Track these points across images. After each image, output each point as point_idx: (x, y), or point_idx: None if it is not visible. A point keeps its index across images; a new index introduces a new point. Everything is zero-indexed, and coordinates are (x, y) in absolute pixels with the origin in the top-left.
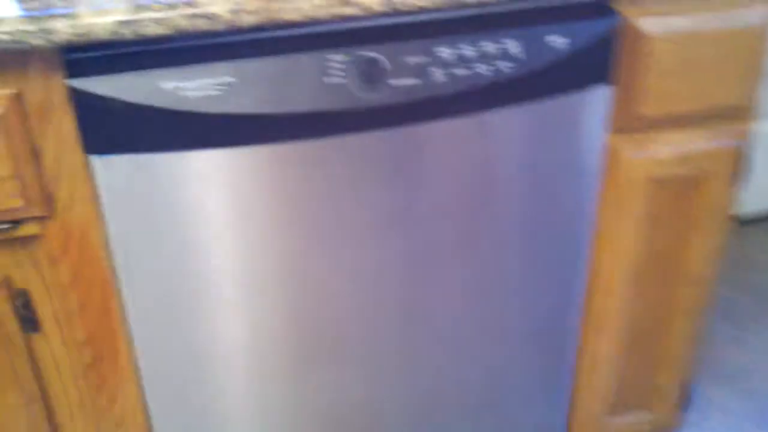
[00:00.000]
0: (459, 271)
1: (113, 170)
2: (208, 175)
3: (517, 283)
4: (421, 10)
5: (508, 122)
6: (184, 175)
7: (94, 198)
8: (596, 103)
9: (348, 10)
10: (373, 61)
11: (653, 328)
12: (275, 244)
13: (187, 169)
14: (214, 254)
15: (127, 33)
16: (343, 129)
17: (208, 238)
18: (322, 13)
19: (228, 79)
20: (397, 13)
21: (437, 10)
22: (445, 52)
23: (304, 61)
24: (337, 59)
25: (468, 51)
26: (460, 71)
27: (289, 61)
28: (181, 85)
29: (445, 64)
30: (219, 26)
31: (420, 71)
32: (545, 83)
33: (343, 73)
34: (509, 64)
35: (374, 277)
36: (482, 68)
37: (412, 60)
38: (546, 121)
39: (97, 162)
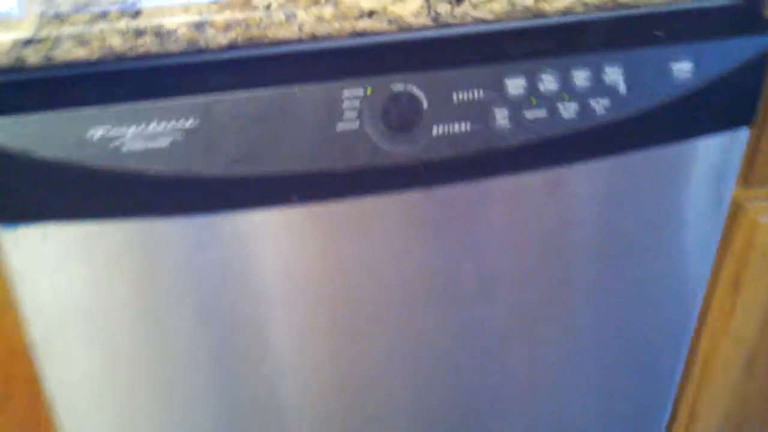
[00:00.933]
0: (523, 366)
1: (24, 245)
2: (153, 250)
3: (596, 379)
4: (480, 23)
5: (594, 177)
6: (122, 250)
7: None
8: (727, 150)
9: (370, 25)
10: (407, 99)
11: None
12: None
13: (128, 241)
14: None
15: (34, 57)
16: (359, 190)
17: (166, 335)
18: (331, 28)
19: (187, 123)
20: (444, 27)
21: (503, 22)
22: (513, 85)
23: (305, 98)
24: (354, 96)
25: (547, 83)
26: (534, 113)
27: (281, 98)
28: (114, 132)
29: (512, 103)
30: (174, 47)
31: (476, 112)
32: (657, 127)
33: (363, 117)
34: (604, 102)
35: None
36: (566, 108)
37: (465, 96)
38: (650, 175)
39: (2, 235)
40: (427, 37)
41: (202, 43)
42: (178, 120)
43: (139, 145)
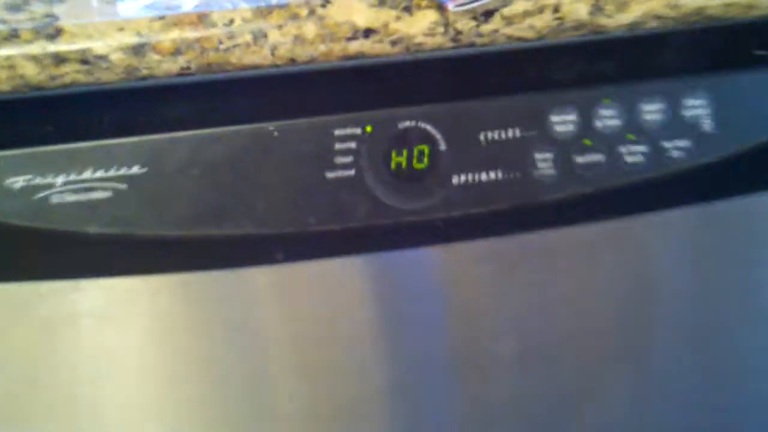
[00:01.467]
0: None
1: None
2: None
3: None
4: (514, 42)
5: (668, 229)
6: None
7: None
8: None
9: (367, 47)
10: (418, 139)
11: None
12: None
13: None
14: None
15: None
16: (358, 250)
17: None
18: (315, 52)
19: (130, 171)
20: (465, 48)
21: (546, 41)
22: (559, 122)
23: (284, 139)
24: (349, 136)
25: (606, 120)
26: (588, 157)
27: (253, 138)
28: (40, 181)
29: (558, 145)
30: (109, 76)
31: (510, 157)
32: (753, 171)
33: (361, 163)
34: (683, 143)
35: None
36: (632, 151)
37: (495, 136)
38: (740, 227)
39: None
40: (444, 59)
41: (144, 72)
42: (119, 167)
43: (70, 198)
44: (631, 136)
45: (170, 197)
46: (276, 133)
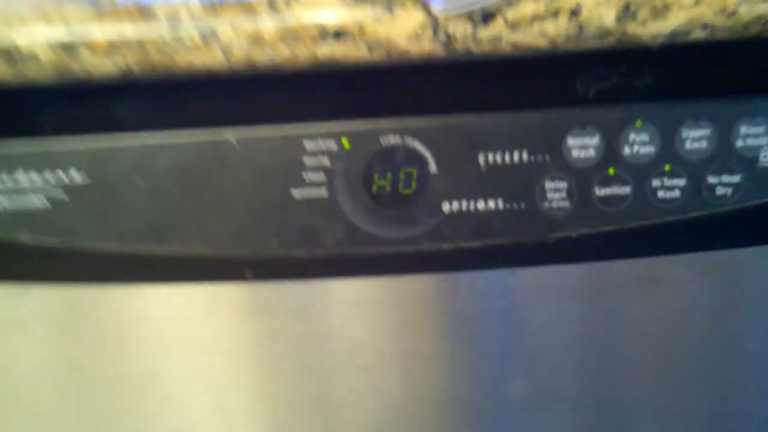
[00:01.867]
0: None
1: None
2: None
3: None
4: (523, 51)
5: (702, 271)
6: None
7: None
8: None
9: (339, 51)
10: (405, 158)
11: None
12: None
13: None
14: None
15: None
16: (329, 275)
17: None
18: (276, 55)
19: (69, 178)
20: (464, 55)
21: (562, 49)
22: (578, 145)
23: (245, 151)
24: (321, 151)
25: (636, 145)
26: (612, 190)
27: (209, 149)
28: None
29: (575, 173)
30: (37, 74)
31: (514, 184)
32: None
33: (335, 182)
34: (733, 178)
35: None
36: (667, 185)
37: (497, 159)
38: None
39: None
40: (439, 64)
41: (78, 71)
42: (54, 171)
43: (4, 204)
44: (667, 168)
45: (112, 209)
46: (235, 143)
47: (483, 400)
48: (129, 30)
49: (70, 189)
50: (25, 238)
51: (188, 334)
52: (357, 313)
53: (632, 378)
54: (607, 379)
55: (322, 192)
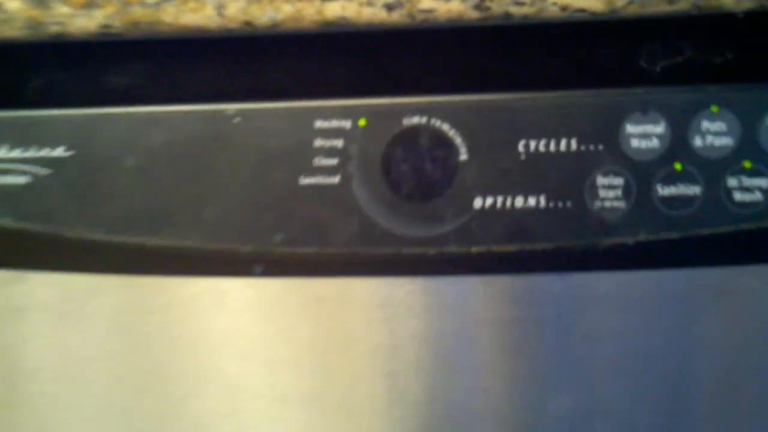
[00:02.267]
0: None
1: None
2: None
3: None
4: (573, 15)
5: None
6: None
7: None
8: None
9: (354, 11)
10: (431, 143)
11: None
12: None
13: None
14: None
15: None
16: (344, 273)
17: None
18: (278, 14)
19: (53, 152)
20: (501, 19)
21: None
22: (638, 132)
23: (248, 129)
24: (334, 130)
25: (710, 134)
26: (678, 189)
27: (207, 125)
28: None
29: (634, 166)
30: (10, 31)
31: (560, 178)
32: None
33: (349, 167)
34: None
35: None
36: (746, 185)
37: (540, 146)
38: None
39: None
40: (473, 29)
41: (53, 28)
42: (39, 147)
43: None
44: (747, 164)
45: (100, 191)
46: (236, 119)
47: (523, 417)
48: None
49: (52, 166)
50: (5, 222)
51: (197, 331)
52: (379, 316)
53: (698, 401)
54: (668, 399)
55: (334, 179)
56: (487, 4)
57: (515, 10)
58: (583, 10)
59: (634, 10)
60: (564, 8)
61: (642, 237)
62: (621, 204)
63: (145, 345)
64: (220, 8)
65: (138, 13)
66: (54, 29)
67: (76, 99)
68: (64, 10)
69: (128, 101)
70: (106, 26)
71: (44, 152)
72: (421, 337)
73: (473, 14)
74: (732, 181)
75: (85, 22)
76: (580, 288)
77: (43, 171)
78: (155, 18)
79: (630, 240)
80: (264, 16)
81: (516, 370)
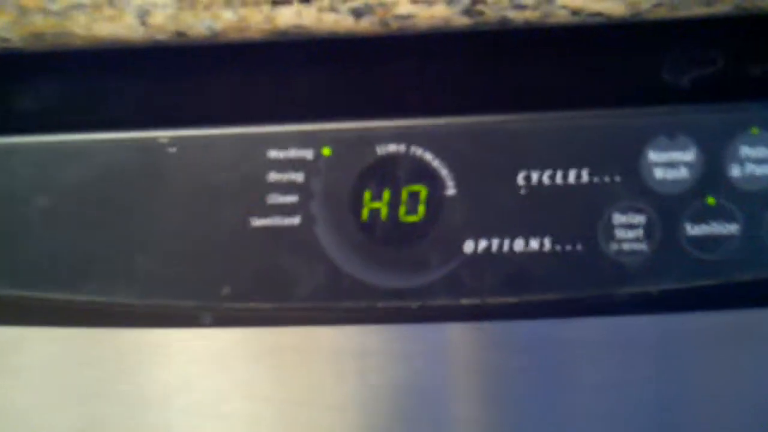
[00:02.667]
0: None
1: None
2: None
3: None
4: (585, 20)
5: None
6: None
7: None
8: None
9: (312, 19)
10: (411, 175)
11: None
12: None
13: None
14: None
15: None
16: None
17: None
18: (220, 22)
19: None
20: (497, 24)
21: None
22: (663, 159)
23: (181, 158)
24: (292, 161)
25: (748, 163)
26: (709, 227)
27: (128, 154)
28: None
29: (658, 200)
30: None
31: (566, 216)
32: None
33: (311, 206)
34: None
35: None
36: None
37: (540, 179)
38: None
39: None
40: (460, 36)
41: None
42: None
43: None
44: None
45: (3, 239)
46: (171, 149)
47: None
48: None
49: None
50: None
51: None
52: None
53: None
54: None
55: (293, 220)
56: (480, 8)
57: (515, 15)
58: (599, 14)
59: (661, 13)
60: (576, 12)
61: (668, 285)
62: (642, 246)
63: (80, 401)
64: (143, 16)
65: (40, 23)
66: None
67: None
68: None
69: (37, 129)
70: (4, 40)
71: None
72: (399, 387)
73: (462, 21)
74: None
75: None
76: (578, 332)
77: None
78: (63, 29)
79: (653, 289)
80: (200, 24)
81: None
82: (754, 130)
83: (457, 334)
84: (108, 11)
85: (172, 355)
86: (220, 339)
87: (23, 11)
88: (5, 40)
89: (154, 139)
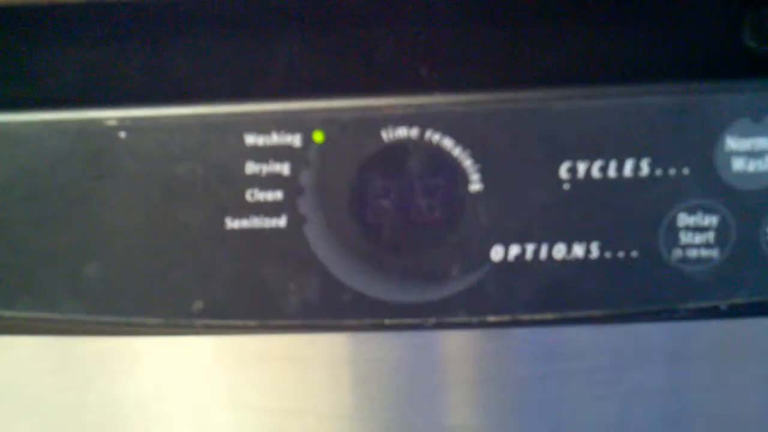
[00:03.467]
0: None
1: None
2: None
3: None
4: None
5: None
6: None
7: None
8: None
9: None
10: (422, 165)
11: None
12: None
13: None
14: None
15: None
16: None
17: None
18: None
19: None
20: None
21: None
22: (736, 151)
23: (136, 146)
24: (278, 149)
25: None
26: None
27: (71, 140)
28: None
29: (730, 201)
30: None
31: (622, 217)
32: None
33: (299, 204)
34: None
35: None
36: None
37: (588, 173)
38: None
39: None
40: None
41: None
42: None
43: None
44: None
45: None
46: (122, 134)
47: None
48: None
49: None
50: None
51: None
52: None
53: None
54: None
55: (279, 221)
56: None
57: None
58: None
59: None
60: None
61: (741, 299)
62: (713, 253)
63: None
64: None
65: None
66: None
67: None
68: None
69: None
70: None
71: None
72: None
73: None
74: None
75: None
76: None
77: None
78: None
79: (723, 303)
80: None
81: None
82: None
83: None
84: None
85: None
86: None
87: None
88: None
89: (100, 121)
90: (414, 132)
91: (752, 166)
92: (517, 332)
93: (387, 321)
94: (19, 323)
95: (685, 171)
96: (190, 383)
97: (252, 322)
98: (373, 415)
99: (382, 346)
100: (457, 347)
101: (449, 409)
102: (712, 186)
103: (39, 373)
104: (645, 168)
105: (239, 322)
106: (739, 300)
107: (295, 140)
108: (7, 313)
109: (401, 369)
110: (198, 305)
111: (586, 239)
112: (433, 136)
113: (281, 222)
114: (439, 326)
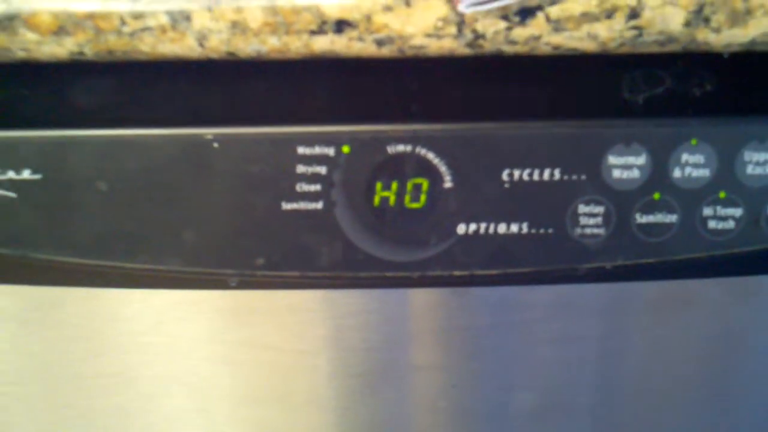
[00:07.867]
0: None
1: None
2: None
3: None
4: (563, 54)
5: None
6: None
7: None
8: None
9: (341, 46)
10: (415, 170)
11: None
12: None
13: None
14: None
15: None
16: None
17: None
18: (264, 46)
19: (21, 175)
20: (492, 54)
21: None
22: (619, 164)
23: (227, 154)
24: (317, 157)
25: (688, 167)
26: (656, 217)
27: (185, 149)
28: None
29: (613, 196)
30: None
31: (541, 206)
32: None
33: (332, 193)
34: None
35: None
36: (722, 215)
37: (521, 176)
38: None
39: None
40: (459, 61)
41: (20, 54)
42: (3, 170)
43: None
44: (722, 195)
45: (70, 216)
46: (215, 144)
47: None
48: (79, 5)
49: (17, 189)
50: None
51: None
52: (353, 323)
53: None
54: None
55: (317, 205)
56: (480, 42)
57: (507, 49)
58: (574, 49)
59: (624, 50)
60: (556, 47)
61: (619, 262)
62: (601, 231)
63: (111, 350)
64: (201, 39)
65: (112, 41)
66: (20, 55)
67: (43, 121)
68: (31, 36)
69: (98, 124)
70: (77, 53)
71: (9, 175)
72: (391, 340)
73: (465, 51)
74: (707, 211)
75: (54, 49)
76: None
77: (9, 194)
78: (131, 47)
79: (608, 264)
80: (248, 48)
81: (484, 370)
82: (694, 141)
83: (440, 297)
84: (171, 34)
85: (195, 313)
86: (237, 300)
87: (99, 31)
88: (81, 54)
89: (201, 136)
90: (408, 147)
91: (625, 174)
92: (475, 291)
93: (387, 273)
94: (129, 275)
95: (583, 177)
96: (233, 328)
97: (295, 273)
98: (358, 355)
99: (371, 300)
100: (427, 303)
101: (419, 352)
102: (600, 187)
103: (115, 320)
104: (557, 174)
105: (287, 273)
106: (618, 263)
107: (330, 151)
108: (130, 264)
109: (383, 319)
110: (260, 261)
111: (519, 220)
112: (421, 151)
113: (319, 205)
114: (422, 278)
